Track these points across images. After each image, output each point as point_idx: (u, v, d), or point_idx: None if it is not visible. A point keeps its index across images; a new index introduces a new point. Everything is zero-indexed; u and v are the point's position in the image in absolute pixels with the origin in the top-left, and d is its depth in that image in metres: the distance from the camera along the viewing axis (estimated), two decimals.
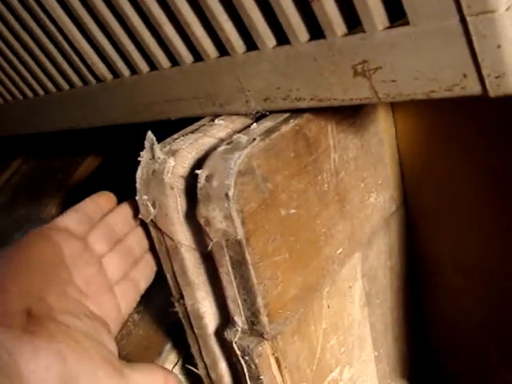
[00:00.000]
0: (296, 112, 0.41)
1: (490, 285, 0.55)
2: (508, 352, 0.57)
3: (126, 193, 0.48)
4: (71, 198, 0.88)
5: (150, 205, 0.41)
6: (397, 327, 0.58)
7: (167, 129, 0.46)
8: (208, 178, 0.37)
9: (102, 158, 0.88)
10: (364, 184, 0.48)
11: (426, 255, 0.58)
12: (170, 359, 0.58)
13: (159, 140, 0.42)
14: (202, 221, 0.37)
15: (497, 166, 0.49)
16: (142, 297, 0.49)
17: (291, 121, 0.40)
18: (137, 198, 0.42)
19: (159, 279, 0.49)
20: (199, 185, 0.37)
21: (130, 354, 0.54)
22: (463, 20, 0.28)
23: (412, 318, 0.60)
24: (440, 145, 0.51)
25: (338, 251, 0.46)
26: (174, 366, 0.57)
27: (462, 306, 0.58)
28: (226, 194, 0.35)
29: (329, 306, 0.47)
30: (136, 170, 0.43)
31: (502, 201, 0.50)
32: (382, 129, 0.50)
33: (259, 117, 0.43)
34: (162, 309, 0.47)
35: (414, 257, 0.58)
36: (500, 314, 0.56)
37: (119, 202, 0.51)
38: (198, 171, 0.37)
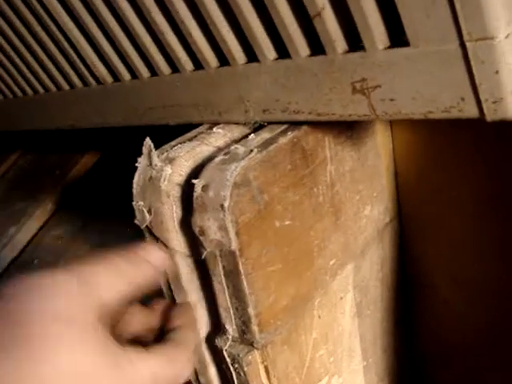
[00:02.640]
0: (294, 124, 0.41)
1: (482, 297, 0.55)
2: (498, 364, 0.58)
3: (121, 191, 0.48)
4: (68, 195, 0.88)
5: (145, 211, 0.41)
6: (386, 338, 0.59)
7: (165, 131, 0.47)
8: (204, 188, 0.37)
9: (100, 156, 0.88)
10: (359, 196, 0.49)
11: (420, 267, 0.58)
12: None
13: (156, 143, 0.42)
14: (196, 230, 0.38)
15: (491, 179, 0.49)
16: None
17: (289, 133, 0.40)
18: (133, 203, 0.42)
19: None
20: (195, 194, 0.37)
21: None
22: (463, 45, 0.29)
23: (402, 328, 0.61)
24: (436, 159, 0.51)
25: (331, 262, 0.47)
26: None
27: (454, 318, 0.59)
28: (222, 205, 0.36)
29: (319, 317, 0.47)
30: (133, 169, 0.43)
31: (496, 214, 0.50)
32: (380, 142, 0.50)
33: (257, 127, 0.43)
34: None
35: (406, 268, 0.59)
36: (491, 327, 0.56)
37: (115, 202, 0.50)
38: (194, 181, 0.37)
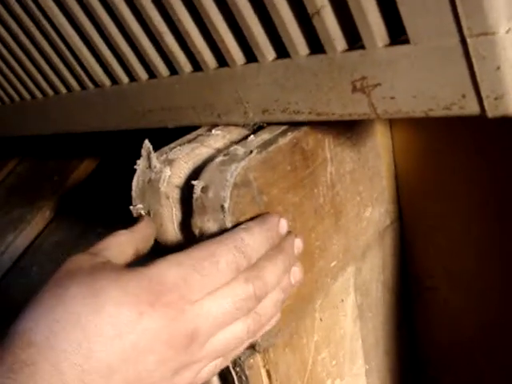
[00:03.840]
0: (294, 125, 0.41)
1: (484, 300, 0.55)
2: (500, 367, 0.57)
3: (121, 197, 0.47)
4: (66, 201, 0.87)
5: (144, 214, 0.41)
6: (388, 341, 0.58)
7: (164, 134, 0.46)
8: (204, 189, 0.36)
9: (99, 161, 0.88)
10: (360, 198, 0.48)
11: (421, 270, 0.58)
12: None
13: (155, 146, 0.42)
14: (196, 231, 0.37)
15: (491, 181, 0.49)
16: None
17: (289, 133, 0.40)
18: (131, 207, 0.42)
19: None
20: (195, 195, 0.37)
21: None
22: (463, 41, 0.28)
23: (404, 332, 0.60)
24: (436, 160, 0.51)
25: (332, 264, 0.46)
26: None
27: (456, 321, 0.58)
28: (222, 206, 0.35)
29: (321, 319, 0.47)
30: (132, 174, 0.43)
31: (497, 216, 0.50)
32: (380, 143, 0.50)
33: (257, 128, 0.43)
34: None
35: (407, 271, 0.58)
36: (493, 330, 0.56)
37: (114, 207, 0.50)
38: (194, 182, 0.37)
